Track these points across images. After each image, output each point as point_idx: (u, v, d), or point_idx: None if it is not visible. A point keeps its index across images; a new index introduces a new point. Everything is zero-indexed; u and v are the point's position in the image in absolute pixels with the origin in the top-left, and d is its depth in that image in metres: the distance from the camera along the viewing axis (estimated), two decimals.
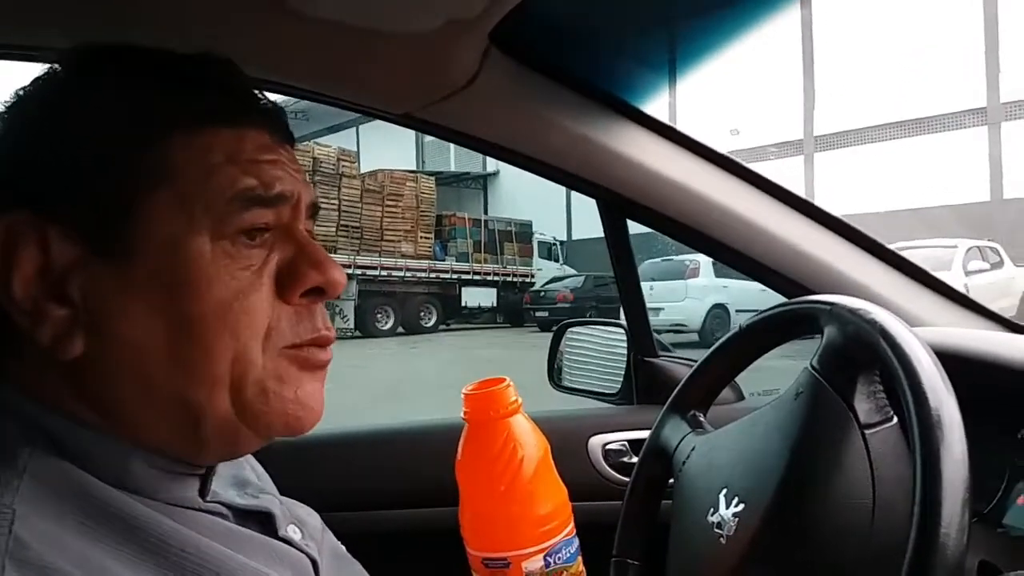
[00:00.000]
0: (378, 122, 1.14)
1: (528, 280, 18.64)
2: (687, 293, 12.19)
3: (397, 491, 1.25)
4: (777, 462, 0.65)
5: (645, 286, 1.30)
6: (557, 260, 19.66)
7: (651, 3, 1.08)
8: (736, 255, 1.14)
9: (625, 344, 1.32)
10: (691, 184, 1.11)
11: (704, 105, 13.15)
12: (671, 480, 0.84)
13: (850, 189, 16.74)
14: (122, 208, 0.50)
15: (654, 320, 1.32)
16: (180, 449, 0.53)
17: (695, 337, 11.97)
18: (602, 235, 1.21)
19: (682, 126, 1.11)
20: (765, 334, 0.81)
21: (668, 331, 11.48)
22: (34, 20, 0.83)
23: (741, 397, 1.25)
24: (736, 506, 0.67)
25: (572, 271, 18.44)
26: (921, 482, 0.50)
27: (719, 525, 0.68)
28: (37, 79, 0.55)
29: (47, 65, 0.56)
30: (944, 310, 1.12)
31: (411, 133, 18.74)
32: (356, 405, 5.92)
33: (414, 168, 20.22)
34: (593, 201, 1.20)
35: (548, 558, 0.67)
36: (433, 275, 17.05)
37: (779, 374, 1.05)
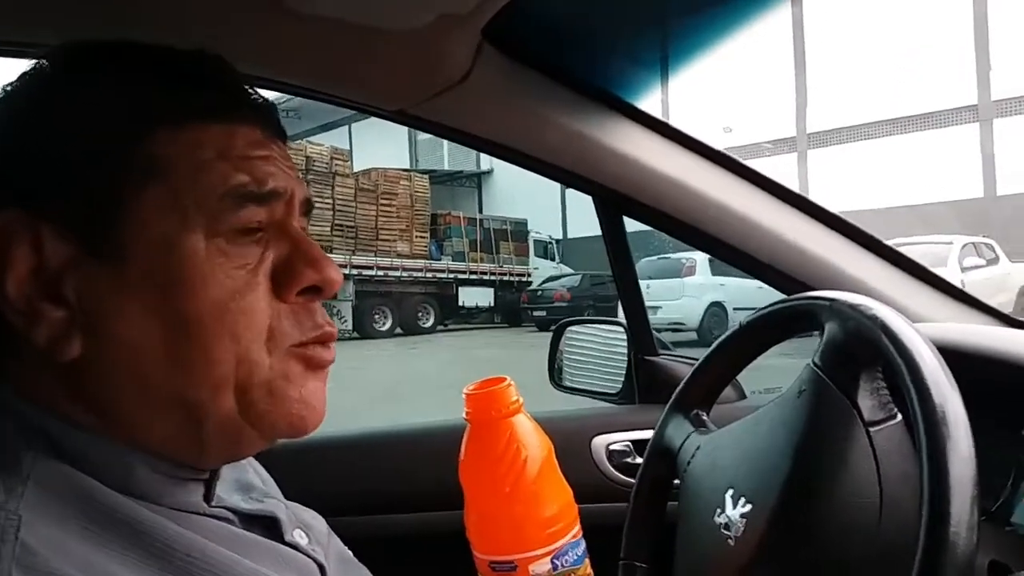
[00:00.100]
0: (371, 120, 1.14)
1: (525, 279, 18.64)
2: (684, 291, 12.20)
3: (401, 494, 1.25)
4: (782, 461, 0.65)
5: (642, 284, 1.30)
6: (553, 259, 19.67)
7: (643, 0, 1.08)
8: (734, 251, 1.13)
9: (625, 343, 1.31)
10: (688, 180, 1.11)
11: (697, 102, 13.17)
12: (676, 481, 0.83)
13: (844, 186, 16.78)
14: (112, 205, 0.50)
15: (652, 319, 1.32)
16: (180, 450, 0.52)
17: (693, 335, 11.98)
18: (598, 233, 1.21)
19: (675, 124, 1.11)
20: (765, 331, 0.80)
21: (666, 330, 11.49)
22: (34, 20, 0.83)
23: (743, 395, 1.24)
24: (743, 507, 0.67)
25: (568, 270, 18.45)
26: (928, 479, 0.49)
27: (727, 526, 0.68)
28: (24, 74, 0.54)
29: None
30: (942, 306, 1.12)
31: (404, 131, 18.78)
32: (356, 407, 5.91)
33: (408, 167, 20.19)
34: (588, 199, 1.19)
35: (555, 560, 0.67)
36: (430, 275, 17.04)
37: (778, 372, 1.04)
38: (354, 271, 14.96)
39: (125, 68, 0.54)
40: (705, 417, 0.85)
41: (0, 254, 0.49)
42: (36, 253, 0.49)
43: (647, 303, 1.30)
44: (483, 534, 0.69)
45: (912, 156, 16.48)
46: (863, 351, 0.62)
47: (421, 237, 17.29)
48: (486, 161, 21.86)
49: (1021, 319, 1.08)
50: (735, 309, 11.36)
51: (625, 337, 1.31)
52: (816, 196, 1.13)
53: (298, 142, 15.48)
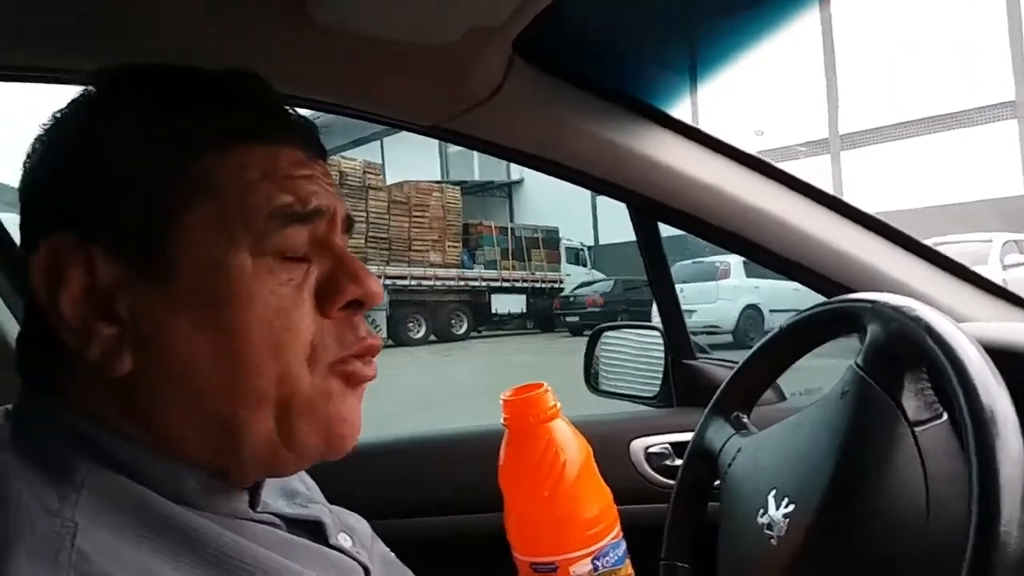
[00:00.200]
0: (402, 135, 1.15)
1: (557, 286, 18.64)
2: (719, 294, 12.08)
3: (440, 497, 1.26)
4: (826, 461, 0.65)
5: (676, 288, 1.29)
6: (585, 265, 19.64)
7: (672, 7, 1.08)
8: (772, 256, 1.13)
9: (661, 347, 1.31)
10: (722, 186, 1.10)
11: (727, 107, 13.06)
12: (717, 482, 0.83)
13: (879, 187, 16.50)
14: (161, 227, 0.51)
15: (687, 322, 1.31)
16: (221, 467, 0.53)
17: (729, 338, 11.85)
18: (629, 239, 1.21)
19: (706, 129, 1.11)
20: (806, 334, 0.80)
21: (702, 333, 11.37)
22: (66, 45, 0.85)
23: (783, 397, 1.23)
24: (786, 507, 0.67)
25: (601, 275, 18.40)
26: (978, 479, 0.49)
27: (769, 526, 0.67)
28: (72, 101, 0.56)
29: (80, 87, 0.57)
30: (985, 305, 1.10)
31: (435, 144, 18.84)
32: (392, 413, 5.94)
33: (439, 179, 20.34)
34: (619, 205, 1.19)
35: (596, 561, 0.67)
36: (462, 283, 17.14)
37: (819, 373, 1.04)
38: (388, 281, 15.06)
39: (169, 91, 0.55)
40: (746, 419, 0.84)
41: (55, 275, 0.50)
42: (88, 274, 0.50)
43: (683, 307, 1.30)
44: (523, 536, 0.70)
45: (948, 155, 16.14)
46: (907, 352, 0.61)
47: (453, 247, 17.42)
48: (516, 171, 21.86)
49: None
50: (771, 311, 11.24)
51: (661, 341, 1.31)
52: (851, 197, 1.12)
53: (332, 157, 15.66)
